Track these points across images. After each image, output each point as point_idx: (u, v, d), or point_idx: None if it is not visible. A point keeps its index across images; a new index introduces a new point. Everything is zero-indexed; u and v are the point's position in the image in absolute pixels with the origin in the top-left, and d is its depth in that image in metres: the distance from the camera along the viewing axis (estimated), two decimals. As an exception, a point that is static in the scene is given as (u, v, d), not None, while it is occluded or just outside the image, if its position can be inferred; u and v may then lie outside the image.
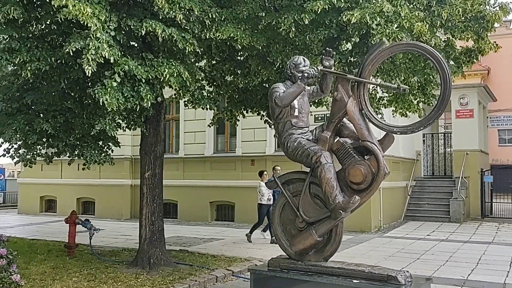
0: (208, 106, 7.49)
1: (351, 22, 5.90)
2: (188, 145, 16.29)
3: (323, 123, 4.53)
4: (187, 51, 6.51)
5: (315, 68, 4.30)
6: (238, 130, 15.37)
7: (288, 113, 4.46)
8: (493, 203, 18.52)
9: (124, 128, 8.42)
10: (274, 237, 10.55)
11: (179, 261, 8.43)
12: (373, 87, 7.42)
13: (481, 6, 6.03)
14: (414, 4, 6.10)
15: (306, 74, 4.23)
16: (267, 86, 8.79)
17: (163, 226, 8.33)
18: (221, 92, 9.36)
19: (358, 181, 4.04)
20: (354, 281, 3.94)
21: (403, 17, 5.87)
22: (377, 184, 4.03)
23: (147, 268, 7.79)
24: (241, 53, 7.67)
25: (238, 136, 15.46)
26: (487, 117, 22.38)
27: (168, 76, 6.37)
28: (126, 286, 6.82)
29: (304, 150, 4.32)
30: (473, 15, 6.10)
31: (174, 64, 6.50)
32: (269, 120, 9.37)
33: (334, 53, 4.89)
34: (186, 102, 7.57)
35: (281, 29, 6.50)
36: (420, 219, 15.96)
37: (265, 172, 12.23)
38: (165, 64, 6.47)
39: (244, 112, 9.42)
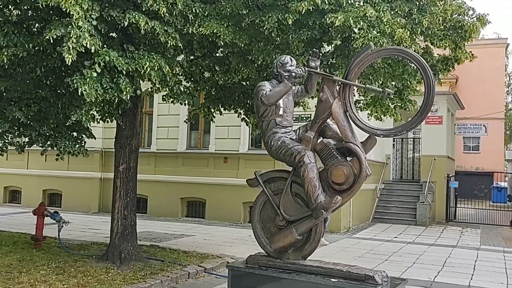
0: (186, 102, 7.43)
1: (335, 25, 5.99)
2: (160, 140, 16.14)
3: (306, 123, 4.58)
4: (168, 45, 6.46)
5: (302, 68, 4.34)
6: (212, 127, 15.31)
7: (273, 111, 4.49)
8: (457, 208, 19.12)
9: (98, 120, 8.27)
10: None
11: (150, 257, 8.36)
12: (357, 90, 7.55)
13: (460, 16, 6.22)
14: (396, 10, 6.23)
15: (293, 74, 4.26)
16: (246, 84, 8.83)
17: (136, 220, 8.23)
18: (199, 88, 9.32)
19: (340, 182, 4.10)
20: (332, 280, 4.00)
21: (385, 23, 5.99)
22: (359, 185, 4.10)
23: (117, 262, 7.68)
24: (222, 49, 7.65)
25: (212, 133, 15.40)
26: (455, 125, 23.01)
27: (148, 69, 6.31)
28: (96, 281, 6.71)
29: (288, 149, 4.36)
30: (452, 24, 6.29)
31: (155, 58, 6.44)
32: (246, 118, 9.39)
33: (321, 54, 4.96)
34: (164, 97, 7.50)
35: (264, 28, 6.53)
36: (387, 221, 16.28)
37: None
38: (146, 57, 6.40)
39: (222, 109, 9.40)
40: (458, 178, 19.90)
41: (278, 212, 4.42)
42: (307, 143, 4.32)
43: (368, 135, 4.28)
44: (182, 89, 7.35)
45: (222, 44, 6.79)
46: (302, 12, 6.04)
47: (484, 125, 30.76)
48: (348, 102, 4.23)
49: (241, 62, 7.57)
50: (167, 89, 7.27)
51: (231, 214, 14.67)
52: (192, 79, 8.93)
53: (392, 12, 6.16)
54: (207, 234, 12.10)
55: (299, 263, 4.32)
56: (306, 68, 4.36)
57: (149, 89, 9.28)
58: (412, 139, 19.73)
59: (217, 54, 8.42)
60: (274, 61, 4.75)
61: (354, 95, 7.98)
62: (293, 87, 4.59)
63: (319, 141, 4.41)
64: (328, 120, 4.44)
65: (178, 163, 15.74)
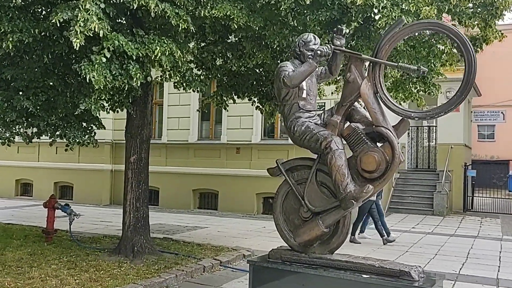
0: (199, 89, 7.13)
1: (355, 4, 5.62)
2: (171, 131, 15.88)
3: (332, 106, 4.24)
4: (180, 29, 6.15)
5: (328, 46, 4.00)
6: (223, 117, 15.04)
7: (295, 94, 4.15)
8: (475, 198, 18.68)
9: (108, 110, 8.01)
10: (353, 237, 10.06)
11: (163, 250, 8.11)
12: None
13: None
14: (421, -13, 5.84)
15: (319, 52, 3.91)
16: (260, 70, 8.50)
17: (148, 213, 7.98)
18: (210, 76, 9.01)
19: (371, 169, 3.76)
20: (364, 276, 3.68)
21: (410, 1, 5.61)
22: (392, 172, 3.77)
23: (130, 256, 7.44)
24: (235, 34, 7.31)
25: (224, 123, 15.12)
26: (471, 112, 22.48)
27: (159, 54, 6.01)
28: (109, 275, 6.47)
29: (313, 134, 4.02)
30: (482, 1, 5.89)
31: (166, 42, 6.14)
32: (260, 107, 9.06)
33: (346, 31, 4.62)
34: (175, 84, 7.20)
35: (280, 9, 6.18)
36: (403, 211, 15.90)
37: None
38: (156, 41, 6.11)
39: (235, 97, 9.08)
40: (474, 167, 19.42)
41: (303, 203, 4.09)
42: (333, 128, 3.98)
43: (401, 118, 3.94)
44: (194, 75, 7.04)
45: (236, 27, 6.45)
46: (321, -9, 5.70)
47: (502, 112, 30.05)
48: (379, 82, 3.88)
49: (256, 46, 7.24)
50: (178, 75, 6.95)
51: (244, 205, 14.43)
52: (203, 66, 8.61)
53: (417, -11, 5.77)
54: (220, 226, 11.85)
55: (326, 258, 4.00)
56: (332, 46, 4.01)
57: (160, 77, 9.04)
58: (427, 127, 19.27)
59: (230, 40, 8.09)
60: (296, 40, 4.40)
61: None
62: (317, 68, 4.25)
63: (346, 125, 4.07)
64: (356, 103, 4.10)
65: (190, 154, 15.50)
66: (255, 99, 9.00)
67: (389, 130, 3.79)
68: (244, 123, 14.64)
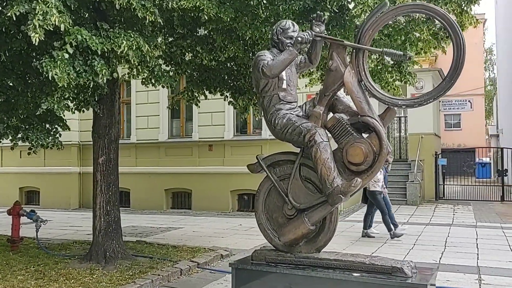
0: (168, 85, 6.81)
1: (331, -8, 5.43)
2: (140, 130, 15.44)
3: (313, 97, 4.03)
4: (147, 22, 5.84)
5: (309, 32, 3.78)
6: (194, 114, 14.71)
7: (275, 85, 3.91)
8: (445, 186, 18.94)
9: (73, 110, 7.60)
10: (366, 231, 9.84)
11: (137, 254, 7.77)
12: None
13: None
14: (396, -28, 5.68)
15: (299, 39, 3.69)
16: (231, 65, 8.23)
17: (120, 216, 7.62)
18: (180, 72, 8.68)
19: (358, 162, 3.57)
20: (354, 274, 3.50)
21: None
22: (380, 164, 3.58)
23: (102, 262, 7.08)
24: (206, 26, 7.02)
25: (195, 120, 14.78)
26: (439, 101, 22.78)
27: (126, 49, 5.67)
28: (80, 284, 6.11)
29: (295, 127, 3.80)
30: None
31: (132, 36, 5.81)
32: (233, 102, 8.80)
33: (325, 17, 4.41)
34: (143, 80, 6.86)
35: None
36: (377, 202, 15.91)
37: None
38: (122, 35, 5.76)
39: (207, 92, 8.78)
40: (444, 155, 19.71)
41: (287, 200, 3.87)
42: (316, 120, 3.77)
43: (387, 107, 3.76)
44: (163, 71, 6.72)
45: (206, 19, 6.17)
46: (293, -21, 5.48)
47: (469, 101, 30.67)
48: (363, 70, 3.68)
49: (227, 39, 6.97)
50: (146, 71, 6.63)
51: (219, 203, 14.17)
52: (172, 62, 8.26)
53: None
54: (195, 226, 11.56)
55: (313, 257, 3.79)
56: (313, 32, 3.79)
57: (127, 74, 8.68)
58: (397, 118, 19.37)
59: (199, 33, 7.79)
60: (274, 27, 4.17)
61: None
62: (297, 57, 4.02)
63: (330, 116, 3.86)
64: (339, 93, 3.90)
65: (161, 153, 15.12)
66: (228, 94, 8.74)
67: (375, 119, 3.61)
68: (216, 120, 14.36)
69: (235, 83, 8.48)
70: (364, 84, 3.71)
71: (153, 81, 6.69)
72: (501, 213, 14.05)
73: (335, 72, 3.74)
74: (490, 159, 28.34)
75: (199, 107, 8.95)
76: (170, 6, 6.01)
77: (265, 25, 6.46)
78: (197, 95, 8.89)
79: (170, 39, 7.81)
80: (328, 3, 5.83)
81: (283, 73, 3.90)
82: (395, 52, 3.61)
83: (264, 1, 6.18)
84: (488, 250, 8.44)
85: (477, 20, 6.48)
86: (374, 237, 9.74)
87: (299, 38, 3.70)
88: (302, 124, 3.79)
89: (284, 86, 3.95)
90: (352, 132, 3.70)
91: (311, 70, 8.13)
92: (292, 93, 4.05)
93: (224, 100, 9.01)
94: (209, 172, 14.28)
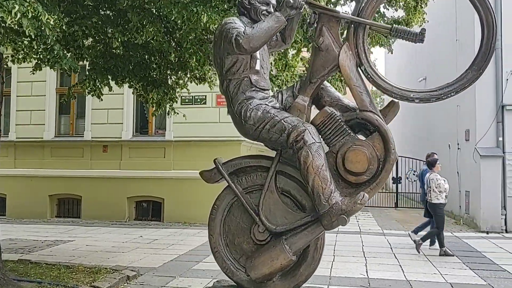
0: (72, 68, 5.48)
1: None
2: (21, 127, 13.32)
3: (292, 85, 3.14)
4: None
5: (305, -5, 2.86)
6: (87, 111, 13.06)
7: (246, 65, 2.94)
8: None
9: None
10: (445, 248, 8.57)
11: (20, 278, 6.23)
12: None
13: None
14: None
15: (291, 1, 2.77)
16: (141, 52, 7.05)
17: (-3, 230, 6.06)
18: (79, 58, 7.26)
19: (361, 171, 2.74)
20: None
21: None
22: (387, 174, 2.79)
23: (-28, 292, 5.51)
24: (120, 2, 5.80)
25: (88, 117, 13.10)
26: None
27: (18, 15, 4.32)
28: None
29: (275, 122, 2.86)
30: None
31: (27, 0, 4.46)
32: (143, 95, 7.59)
33: None
34: (38, 62, 5.45)
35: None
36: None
37: (438, 163, 9.37)
38: (13, -2, 4.39)
39: (112, 83, 7.47)
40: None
41: (257, 220, 2.92)
42: (299, 114, 2.89)
43: (391, 100, 2.99)
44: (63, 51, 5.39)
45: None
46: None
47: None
48: (363, 51, 2.88)
49: (146, 18, 5.82)
50: (42, 50, 5.25)
51: (114, 211, 12.68)
52: (71, 45, 6.83)
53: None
54: (88, 238, 10.04)
55: (291, 298, 2.89)
56: None
57: (10, 57, 7.11)
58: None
59: (106, 12, 6.52)
60: None
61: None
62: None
63: (321, 110, 2.98)
64: (325, 82, 3.05)
65: (45, 153, 13.19)
66: (137, 86, 7.50)
67: (379, 116, 2.82)
68: (112, 117, 12.83)
69: (146, 73, 7.29)
70: (365, 69, 2.91)
71: (51, 62, 5.31)
72: (400, 220, 14.38)
73: (326, 52, 2.89)
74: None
75: (101, 100, 7.59)
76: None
77: (195, 4, 5.45)
78: (100, 86, 7.52)
79: (72, 16, 6.41)
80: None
81: (256, 52, 2.95)
82: (408, 29, 2.86)
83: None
84: (408, 261, 8.22)
85: (424, 19, 6.09)
86: (453, 255, 8.66)
87: (291, 1, 2.79)
88: (284, 118, 2.87)
89: (258, 67, 3.01)
90: (349, 131, 2.88)
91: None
92: (266, 78, 3.12)
93: (132, 93, 7.78)
94: (103, 176, 12.72)
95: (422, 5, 5.74)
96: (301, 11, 2.96)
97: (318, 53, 2.92)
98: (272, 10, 2.97)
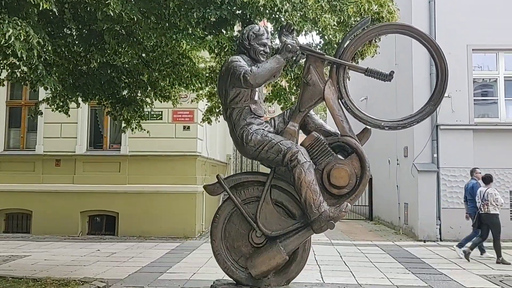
0: (53, 86, 5.74)
1: (258, 4, 5.15)
2: (-33, 140, 13.00)
3: (282, 112, 3.68)
4: (37, 9, 4.86)
5: (295, 41, 3.43)
6: (39, 124, 12.93)
7: (247, 96, 3.47)
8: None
9: None
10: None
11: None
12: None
13: (381, 8, 5.96)
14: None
15: (290, 47, 3.31)
16: (110, 70, 7.34)
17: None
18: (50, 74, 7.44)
19: (342, 184, 3.34)
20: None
21: (308, 7, 5.40)
22: (363, 187, 3.39)
23: None
24: (98, 25, 6.12)
25: (40, 130, 12.98)
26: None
27: (12, 38, 4.61)
28: None
29: (273, 144, 3.39)
30: (372, 14, 5.97)
31: (20, 24, 4.76)
32: (113, 113, 7.86)
33: (295, 27, 4.09)
34: (21, 80, 5.64)
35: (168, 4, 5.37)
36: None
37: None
38: (6, 21, 4.68)
39: (81, 100, 7.69)
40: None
41: (255, 227, 3.43)
42: (291, 138, 3.44)
43: (364, 127, 3.61)
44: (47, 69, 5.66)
45: (106, 15, 5.38)
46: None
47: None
48: (343, 87, 3.49)
49: (125, 41, 6.18)
50: (26, 69, 5.49)
51: (66, 226, 12.59)
52: (47, 61, 7.03)
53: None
54: (44, 253, 10.01)
55: (284, 291, 3.41)
56: (297, 41, 3.45)
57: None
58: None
59: (83, 32, 6.79)
60: (244, 32, 3.72)
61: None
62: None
63: (309, 134, 3.55)
64: (311, 111, 3.63)
65: (-6, 167, 12.90)
66: (106, 103, 7.78)
67: (356, 140, 3.43)
68: (66, 131, 12.81)
69: (116, 90, 7.59)
70: (345, 102, 3.53)
71: (33, 81, 5.55)
72: (345, 231, 15.19)
73: (313, 87, 3.48)
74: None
75: (69, 116, 7.77)
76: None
77: (173, 31, 5.91)
78: (67, 102, 7.72)
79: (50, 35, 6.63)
80: (249, 16, 5.55)
81: (254, 84, 3.48)
82: (380, 71, 3.51)
83: (176, 8, 5.63)
84: (357, 268, 8.92)
85: (375, 50, 6.81)
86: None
87: (289, 46, 3.35)
88: (280, 141, 3.42)
89: (256, 98, 3.55)
90: (332, 152, 3.47)
91: (201, 85, 7.72)
92: (262, 106, 3.66)
93: (103, 108, 8.01)
94: (55, 190, 12.63)
95: (377, 40, 6.50)
96: (297, 53, 3.53)
97: (306, 88, 3.52)
98: (268, 51, 3.51)
